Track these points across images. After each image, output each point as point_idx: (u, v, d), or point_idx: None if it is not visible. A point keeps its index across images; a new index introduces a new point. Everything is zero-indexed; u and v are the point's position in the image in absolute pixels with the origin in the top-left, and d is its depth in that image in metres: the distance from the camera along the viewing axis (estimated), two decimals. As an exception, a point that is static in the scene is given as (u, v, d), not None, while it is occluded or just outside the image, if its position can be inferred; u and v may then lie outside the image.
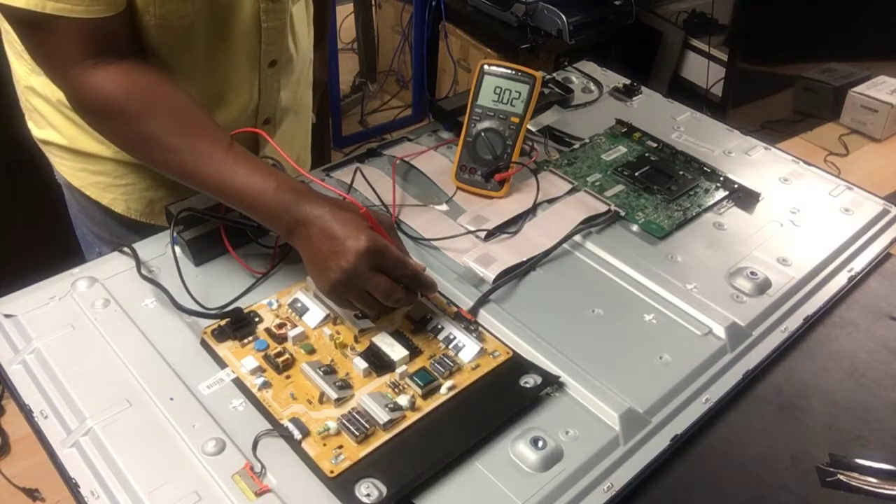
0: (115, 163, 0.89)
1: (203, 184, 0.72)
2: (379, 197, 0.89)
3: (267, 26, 0.83)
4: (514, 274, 0.80)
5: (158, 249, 0.81)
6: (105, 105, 0.72)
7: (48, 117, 0.88)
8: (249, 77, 0.87)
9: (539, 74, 0.90)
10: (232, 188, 0.70)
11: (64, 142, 0.89)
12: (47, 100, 0.86)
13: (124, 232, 0.93)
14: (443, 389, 0.67)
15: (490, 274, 0.79)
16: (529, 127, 1.02)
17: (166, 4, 0.74)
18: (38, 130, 0.92)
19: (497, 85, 0.90)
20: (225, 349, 0.70)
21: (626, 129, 1.04)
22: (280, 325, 0.71)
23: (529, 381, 0.68)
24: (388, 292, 0.68)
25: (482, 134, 0.90)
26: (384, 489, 0.59)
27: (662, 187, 0.93)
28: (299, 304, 0.73)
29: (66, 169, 0.92)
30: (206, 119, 0.74)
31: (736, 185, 0.94)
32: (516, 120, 0.90)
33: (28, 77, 0.86)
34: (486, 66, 0.91)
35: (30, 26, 0.69)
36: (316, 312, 0.73)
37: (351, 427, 0.62)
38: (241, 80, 0.86)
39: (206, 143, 0.71)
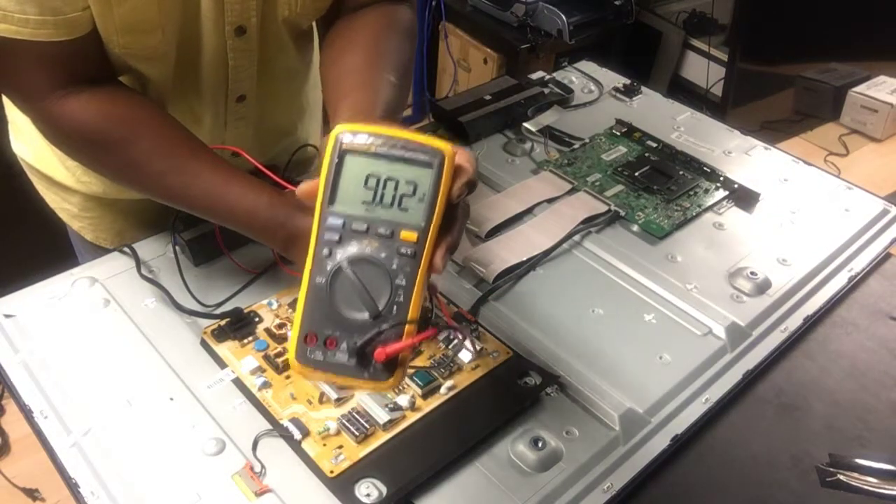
0: (80, 195, 0.86)
1: (193, 205, 0.70)
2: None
3: (234, 64, 0.79)
4: (514, 274, 0.80)
5: (158, 249, 0.81)
6: (83, 135, 0.68)
7: (22, 129, 0.86)
8: (215, 109, 0.83)
9: (449, 149, 0.49)
10: (223, 208, 0.68)
11: (34, 162, 0.86)
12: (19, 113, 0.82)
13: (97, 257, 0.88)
14: (442, 389, 0.67)
15: (490, 274, 0.79)
16: (529, 126, 1.02)
17: (128, 34, 0.68)
18: (15, 143, 0.89)
19: (371, 172, 0.48)
20: (225, 349, 0.70)
21: (626, 129, 1.04)
22: (280, 325, 0.71)
23: (529, 381, 0.68)
24: None
25: (347, 270, 0.48)
26: (384, 489, 0.59)
27: (662, 187, 0.93)
28: (299, 304, 0.73)
29: (40, 188, 0.90)
30: (189, 138, 0.71)
31: (736, 185, 0.94)
32: (413, 237, 0.48)
33: None
34: (345, 137, 0.48)
35: None
36: (316, 312, 0.72)
37: (351, 427, 0.62)
38: (206, 111, 0.83)
39: (192, 164, 0.69)
